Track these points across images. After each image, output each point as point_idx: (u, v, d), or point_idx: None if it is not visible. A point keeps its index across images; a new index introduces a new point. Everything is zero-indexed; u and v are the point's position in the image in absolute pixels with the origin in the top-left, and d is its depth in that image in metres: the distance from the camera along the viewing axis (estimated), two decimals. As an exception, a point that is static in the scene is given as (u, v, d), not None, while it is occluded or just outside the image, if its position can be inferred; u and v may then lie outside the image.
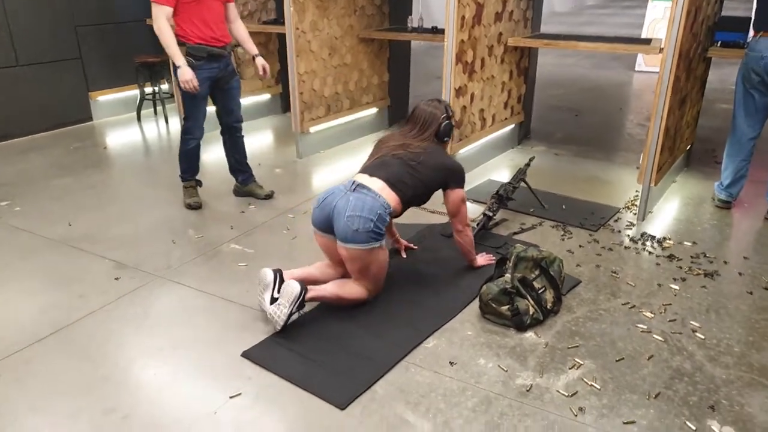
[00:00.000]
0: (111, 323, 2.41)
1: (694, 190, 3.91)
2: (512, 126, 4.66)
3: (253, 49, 3.49)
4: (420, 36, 4.67)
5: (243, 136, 3.64)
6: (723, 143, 4.81)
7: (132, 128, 5.43)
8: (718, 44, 3.84)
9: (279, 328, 2.21)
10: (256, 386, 2.02)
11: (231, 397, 1.96)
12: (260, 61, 3.48)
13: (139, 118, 5.63)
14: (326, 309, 2.44)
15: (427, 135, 2.56)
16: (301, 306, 2.22)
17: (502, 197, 3.25)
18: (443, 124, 2.58)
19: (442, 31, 3.97)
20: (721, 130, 5.18)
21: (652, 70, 8.13)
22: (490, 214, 3.19)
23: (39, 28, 5.04)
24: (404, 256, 2.93)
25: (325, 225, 2.39)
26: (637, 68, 8.41)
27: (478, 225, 3.13)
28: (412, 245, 3.00)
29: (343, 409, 1.90)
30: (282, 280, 2.34)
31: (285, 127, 5.36)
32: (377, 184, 2.37)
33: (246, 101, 5.44)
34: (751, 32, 3.57)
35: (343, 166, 4.41)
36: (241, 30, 3.46)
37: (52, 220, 3.41)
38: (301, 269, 2.52)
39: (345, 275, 2.49)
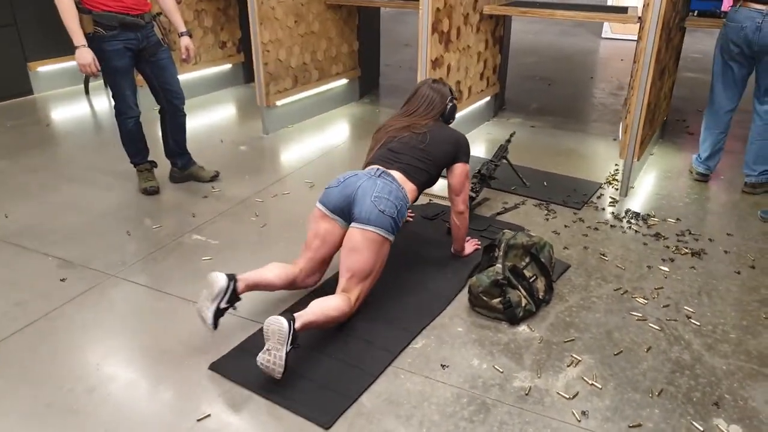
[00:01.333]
0: (55, 335, 2.13)
1: (671, 162, 3.84)
2: (488, 98, 4.46)
3: (180, 26, 3.13)
4: (391, 3, 4.40)
5: (185, 115, 3.29)
6: (692, 113, 4.78)
7: (79, 102, 4.99)
8: (695, 14, 3.74)
9: (279, 376, 1.80)
10: (227, 405, 1.80)
11: (198, 420, 1.74)
12: (185, 41, 3.13)
13: (87, 91, 5.18)
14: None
15: (432, 115, 2.46)
16: (294, 341, 1.81)
17: (484, 176, 3.08)
18: (449, 106, 2.50)
19: (414, -3, 3.71)
20: (688, 99, 5.13)
21: (618, 38, 8.04)
22: (473, 194, 3.01)
23: (-36, -9, 4.52)
24: (410, 219, 2.99)
25: (340, 205, 2.16)
26: (603, 35, 8.31)
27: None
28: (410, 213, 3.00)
29: (327, 428, 1.71)
30: (235, 290, 2.02)
31: (249, 99, 5.01)
32: (398, 176, 2.27)
33: (206, 72, 5.10)
34: (726, 1, 3.45)
35: (313, 141, 4.14)
36: (167, 1, 3.10)
37: (-13, 211, 3.06)
38: (251, 275, 2.12)
39: (305, 280, 2.24)
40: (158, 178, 3.34)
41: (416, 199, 2.38)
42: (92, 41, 2.83)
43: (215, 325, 2.00)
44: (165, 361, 2.00)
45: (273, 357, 1.78)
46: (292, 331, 1.79)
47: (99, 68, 2.87)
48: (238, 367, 1.92)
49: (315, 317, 1.92)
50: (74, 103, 4.98)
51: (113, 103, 3.08)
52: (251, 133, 4.25)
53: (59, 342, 2.10)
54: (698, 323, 2.23)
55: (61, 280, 2.45)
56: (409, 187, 2.29)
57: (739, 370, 1.99)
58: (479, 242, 2.68)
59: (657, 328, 2.20)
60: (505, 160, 3.30)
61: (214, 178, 3.43)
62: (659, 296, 2.40)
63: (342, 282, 2.12)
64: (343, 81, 4.87)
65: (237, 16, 5.19)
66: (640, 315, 2.27)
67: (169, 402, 1.83)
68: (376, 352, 2.01)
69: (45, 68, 5.16)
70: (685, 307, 2.33)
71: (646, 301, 2.36)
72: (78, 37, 2.77)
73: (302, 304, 2.18)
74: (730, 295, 2.42)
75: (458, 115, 3.97)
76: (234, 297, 2.02)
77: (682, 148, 4.05)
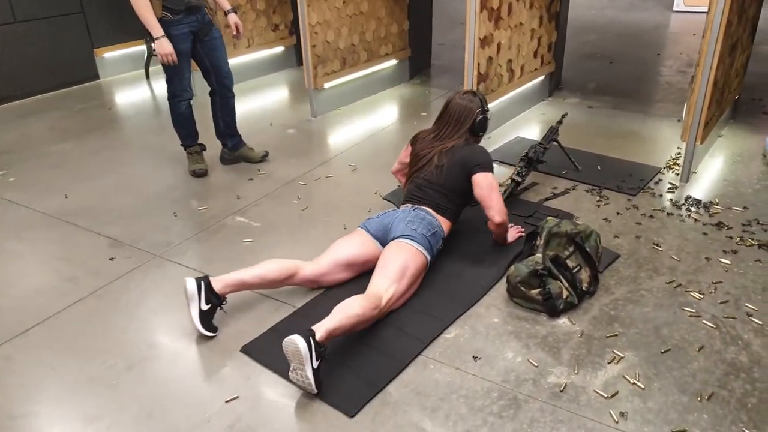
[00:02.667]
0: (101, 312, 2.22)
1: (742, 145, 3.55)
2: (542, 77, 4.28)
3: (226, 4, 3.19)
4: (440, -21, 4.26)
5: (234, 96, 3.35)
6: (774, 91, 4.40)
7: (141, 86, 5.18)
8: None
9: (315, 391, 1.74)
10: (255, 388, 1.83)
11: (227, 401, 1.78)
12: (233, 17, 3.18)
13: (147, 76, 5.36)
14: (336, 296, 2.16)
15: (462, 132, 2.46)
16: (321, 354, 1.73)
17: (532, 160, 2.95)
18: (478, 119, 2.47)
19: (464, -27, 3.56)
20: (767, 76, 4.72)
21: (691, 10, 7.50)
22: (519, 179, 2.90)
23: (36, -20, 4.75)
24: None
25: (378, 232, 2.32)
26: (675, 8, 7.77)
27: (505, 192, 2.85)
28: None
29: (352, 416, 1.71)
30: (210, 288, 2.01)
31: (300, 81, 5.01)
32: (430, 211, 2.36)
33: (257, 55, 5.14)
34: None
35: (360, 123, 4.11)
36: None
37: (49, 191, 3.22)
38: (235, 274, 2.10)
39: (318, 278, 2.22)
40: (208, 160, 3.42)
41: (450, 229, 2.42)
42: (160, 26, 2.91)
43: (206, 328, 2.02)
44: (200, 342, 2.04)
45: (300, 376, 1.72)
46: (314, 347, 1.70)
47: (176, 60, 2.95)
48: (268, 350, 1.93)
49: (339, 322, 1.82)
50: (135, 87, 5.17)
51: (167, 86, 3.16)
52: (300, 116, 4.27)
53: (105, 319, 2.19)
54: (760, 322, 2.06)
55: (110, 258, 2.56)
56: (442, 220, 2.36)
57: (803, 376, 1.82)
58: (523, 229, 2.58)
59: (712, 325, 2.05)
60: (555, 143, 3.15)
61: (264, 158, 3.48)
62: (717, 291, 2.23)
63: (372, 280, 2.09)
64: (393, 62, 4.79)
65: (289, -2, 5.21)
66: (694, 311, 2.12)
67: (201, 382, 1.88)
68: (407, 340, 1.97)
69: (110, 54, 5.38)
70: (746, 304, 2.15)
71: (701, 296, 2.20)
72: (156, 29, 2.86)
73: (329, 299, 2.17)
74: (800, 292, 2.22)
75: (509, 95, 3.87)
76: (214, 297, 2.02)
77: (756, 130, 3.74)
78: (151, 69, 5.35)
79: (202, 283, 2.01)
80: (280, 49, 5.36)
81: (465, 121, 2.45)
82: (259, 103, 4.62)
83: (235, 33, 3.20)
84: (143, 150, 3.77)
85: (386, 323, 2.05)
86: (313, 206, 2.97)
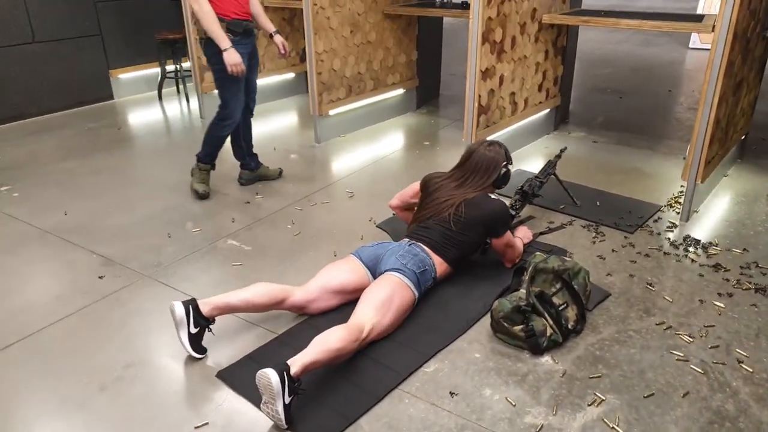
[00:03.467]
0: (83, 331, 2.23)
1: (747, 185, 3.49)
2: (547, 110, 4.28)
3: (270, 26, 3.32)
4: (449, 12, 4.33)
5: (253, 115, 3.47)
6: (785, 132, 4.35)
7: (153, 107, 5.28)
8: (780, 22, 3.40)
9: (285, 426, 1.71)
10: (226, 415, 1.80)
11: (196, 427, 1.76)
12: (279, 38, 3.32)
13: (160, 97, 5.48)
14: (317, 325, 2.15)
15: (488, 184, 2.48)
16: (294, 390, 1.70)
17: (527, 194, 2.93)
18: (503, 171, 2.51)
19: (470, 7, 3.61)
20: (782, 116, 4.67)
21: (707, 47, 7.48)
22: (513, 212, 2.87)
23: (57, 3, 4.91)
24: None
25: (370, 261, 2.31)
26: (691, 45, 7.78)
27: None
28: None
29: (319, 449, 1.68)
30: (198, 311, 2.01)
31: (307, 108, 5.09)
32: (425, 248, 2.35)
33: (269, 80, 5.24)
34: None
35: (363, 151, 4.14)
36: (256, 5, 3.26)
37: (49, 207, 3.27)
38: (222, 297, 2.09)
39: (306, 305, 2.20)
40: (213, 183, 3.43)
41: (445, 272, 2.39)
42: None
43: (196, 350, 2.03)
44: (178, 365, 2.03)
45: (271, 410, 1.69)
46: (287, 382, 1.66)
47: (245, 69, 3.03)
48: (243, 377, 1.91)
49: (316, 356, 1.78)
50: (147, 108, 5.28)
51: (221, 109, 3.18)
52: (304, 142, 4.32)
53: (85, 337, 2.19)
54: (751, 369, 1.99)
55: (99, 277, 2.58)
56: (437, 260, 2.34)
57: (791, 428, 1.76)
58: (530, 230, 2.81)
59: (700, 371, 1.99)
60: (553, 177, 3.14)
61: (281, 174, 3.61)
62: (708, 335, 2.17)
63: (356, 310, 2.06)
64: (400, 91, 4.84)
65: (302, 26, 5.30)
66: (682, 355, 2.06)
67: (173, 405, 1.86)
68: (384, 373, 1.94)
69: (125, 75, 5.52)
70: (738, 350, 2.09)
71: (691, 340, 2.14)
72: (225, 41, 2.95)
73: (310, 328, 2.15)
74: (795, 340, 2.15)
75: (512, 127, 3.88)
76: (202, 320, 2.02)
77: (763, 171, 3.69)
78: (163, 91, 5.48)
79: (190, 307, 2.01)
80: (291, 75, 5.45)
81: (492, 173, 2.47)
82: (266, 127, 4.68)
83: (283, 51, 3.33)
84: (146, 170, 3.83)
85: (365, 354, 2.02)
86: (306, 232, 2.97)
